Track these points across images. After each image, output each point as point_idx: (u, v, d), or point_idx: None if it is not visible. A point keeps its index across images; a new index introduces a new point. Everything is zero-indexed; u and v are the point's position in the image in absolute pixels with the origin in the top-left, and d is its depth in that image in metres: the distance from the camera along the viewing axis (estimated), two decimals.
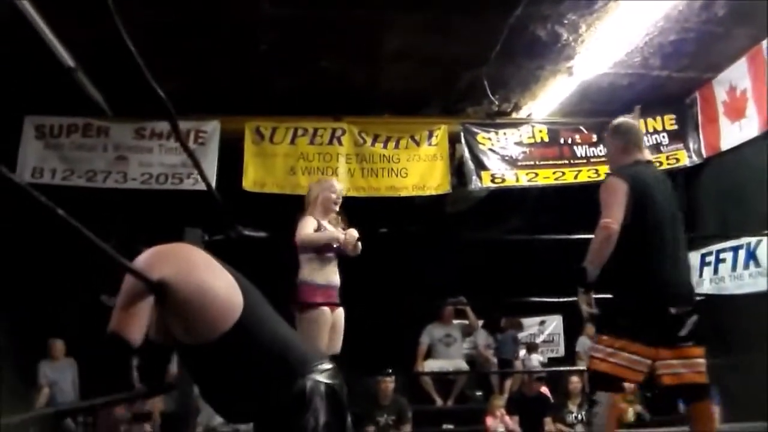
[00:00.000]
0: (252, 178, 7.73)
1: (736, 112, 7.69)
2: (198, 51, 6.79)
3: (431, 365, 8.66)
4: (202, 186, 7.39)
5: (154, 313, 2.23)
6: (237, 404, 2.39)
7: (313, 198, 5.27)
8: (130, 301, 2.17)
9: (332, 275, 5.01)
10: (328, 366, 2.37)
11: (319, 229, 5.02)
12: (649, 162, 4.24)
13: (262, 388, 2.28)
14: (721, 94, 7.96)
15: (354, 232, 5.09)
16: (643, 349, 3.65)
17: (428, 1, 6.38)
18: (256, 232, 4.82)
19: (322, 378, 2.31)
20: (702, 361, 3.81)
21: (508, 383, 8.79)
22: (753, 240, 7.59)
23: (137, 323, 2.16)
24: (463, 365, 8.83)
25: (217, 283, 2.28)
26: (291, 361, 2.31)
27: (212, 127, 7.71)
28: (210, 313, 2.21)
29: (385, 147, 8.30)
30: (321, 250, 4.96)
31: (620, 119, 4.35)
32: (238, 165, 7.57)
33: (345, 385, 2.40)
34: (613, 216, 3.75)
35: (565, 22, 6.75)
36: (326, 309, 4.86)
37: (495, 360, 9.07)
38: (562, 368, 9.00)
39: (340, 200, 5.33)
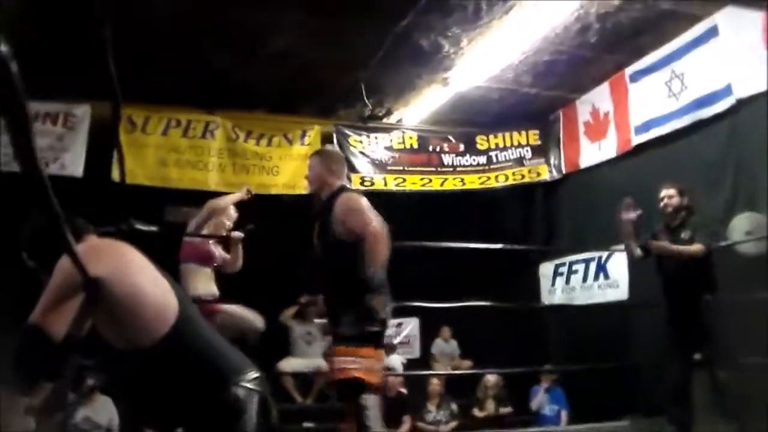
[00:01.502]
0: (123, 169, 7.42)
1: (597, 132, 8.17)
2: (72, 30, 6.41)
3: (292, 363, 8.61)
4: (70, 171, 7.07)
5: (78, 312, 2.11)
6: (168, 410, 2.34)
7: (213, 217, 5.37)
8: (59, 296, 2.06)
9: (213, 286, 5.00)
10: (256, 374, 2.36)
11: None
12: None
13: (195, 394, 2.25)
14: (583, 114, 8.43)
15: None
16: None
17: (317, 3, 6.33)
18: (147, 226, 4.63)
19: (253, 386, 2.31)
20: None
21: None
22: (604, 254, 8.07)
23: (62, 319, 2.04)
24: (323, 364, 8.82)
25: (153, 288, 2.23)
26: (223, 369, 2.30)
27: (82, 112, 7.29)
28: (144, 317, 2.15)
29: (257, 144, 8.21)
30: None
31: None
32: (108, 153, 7.22)
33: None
34: (376, 222, 4.01)
35: (449, 34, 6.91)
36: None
37: None
38: (424, 372, 9.18)
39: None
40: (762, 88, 6.05)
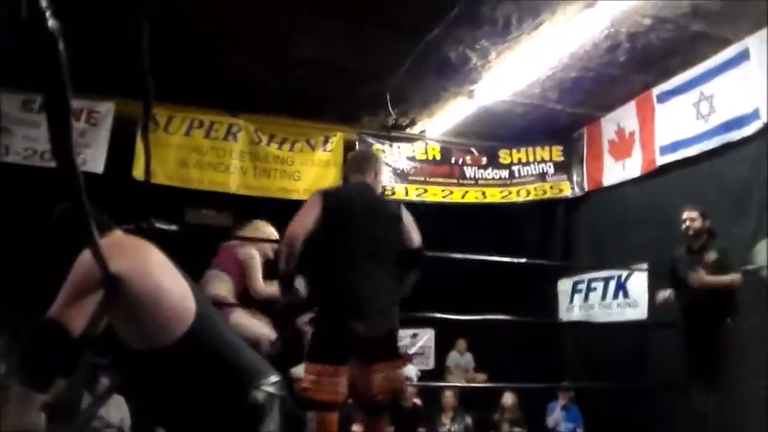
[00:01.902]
0: (143, 167, 7.44)
1: (622, 151, 8.14)
2: (98, 28, 6.44)
3: (300, 371, 8.58)
4: (91, 168, 7.10)
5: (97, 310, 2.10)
6: (184, 413, 2.31)
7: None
8: (79, 291, 2.03)
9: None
10: (276, 378, 2.33)
11: None
12: (366, 184, 4.27)
13: (214, 398, 2.21)
14: (608, 132, 8.40)
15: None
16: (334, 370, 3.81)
17: (346, 9, 6.34)
18: (168, 225, 4.63)
19: (273, 390, 2.28)
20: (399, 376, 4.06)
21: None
22: (624, 273, 8.03)
23: (81, 315, 2.01)
24: None
25: (172, 286, 2.19)
26: (243, 372, 2.26)
27: (106, 109, 7.31)
28: (162, 316, 2.12)
29: (280, 148, 8.21)
30: None
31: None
32: (130, 151, 7.25)
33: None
34: (297, 223, 3.88)
35: (477, 47, 6.91)
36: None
37: None
38: (437, 383, 9.16)
39: None
40: None
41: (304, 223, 3.85)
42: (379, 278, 3.87)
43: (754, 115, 6.40)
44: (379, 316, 3.82)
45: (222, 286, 5.00)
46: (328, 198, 3.99)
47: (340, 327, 3.78)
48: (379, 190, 4.44)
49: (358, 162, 4.45)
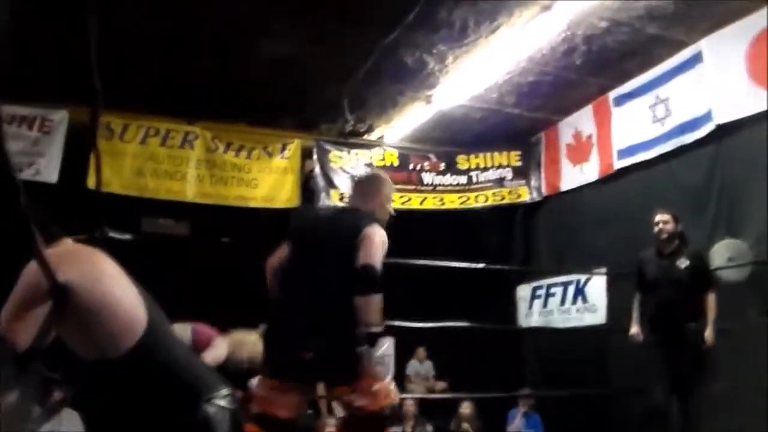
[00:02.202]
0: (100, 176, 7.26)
1: (579, 155, 8.16)
2: (52, 34, 6.26)
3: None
4: (45, 177, 6.91)
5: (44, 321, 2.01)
6: (137, 428, 2.22)
7: None
8: (25, 303, 1.96)
9: None
10: (228, 391, 2.28)
11: None
12: (344, 208, 4.39)
13: (165, 411, 2.16)
14: (566, 136, 8.42)
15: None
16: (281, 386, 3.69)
17: (301, 16, 6.25)
18: (122, 234, 4.50)
19: (224, 403, 2.23)
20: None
21: (335, 404, 8.74)
22: (583, 278, 8.04)
23: (28, 328, 1.94)
24: None
25: (123, 296, 2.14)
26: (193, 385, 2.21)
27: (59, 117, 7.12)
28: (112, 326, 2.06)
29: (237, 155, 8.09)
30: None
31: None
32: (85, 160, 7.06)
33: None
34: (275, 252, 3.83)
35: (434, 51, 6.86)
36: None
37: None
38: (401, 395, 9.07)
39: None
40: (742, 115, 6.09)
41: (279, 250, 3.77)
42: (313, 303, 3.66)
43: (707, 117, 6.46)
44: (302, 346, 3.60)
45: None
46: (293, 222, 3.90)
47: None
48: (383, 217, 4.07)
49: (355, 187, 4.35)
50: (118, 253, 2.31)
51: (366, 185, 4.17)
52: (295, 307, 3.65)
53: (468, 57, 6.94)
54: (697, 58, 6.53)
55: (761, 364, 5.50)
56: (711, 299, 5.65)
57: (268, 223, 8.49)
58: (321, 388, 3.87)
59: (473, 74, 7.24)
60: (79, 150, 6.86)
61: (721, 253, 6.09)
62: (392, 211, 4.12)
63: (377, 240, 3.62)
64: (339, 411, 8.26)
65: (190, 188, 7.81)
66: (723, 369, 5.65)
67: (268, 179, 8.24)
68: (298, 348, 3.54)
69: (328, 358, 3.58)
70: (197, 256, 8.22)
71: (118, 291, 2.11)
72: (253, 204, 8.12)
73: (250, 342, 4.95)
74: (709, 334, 5.55)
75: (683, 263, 5.74)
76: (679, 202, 6.54)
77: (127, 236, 4.62)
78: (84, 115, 6.77)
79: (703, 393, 5.51)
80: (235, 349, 4.75)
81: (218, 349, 4.74)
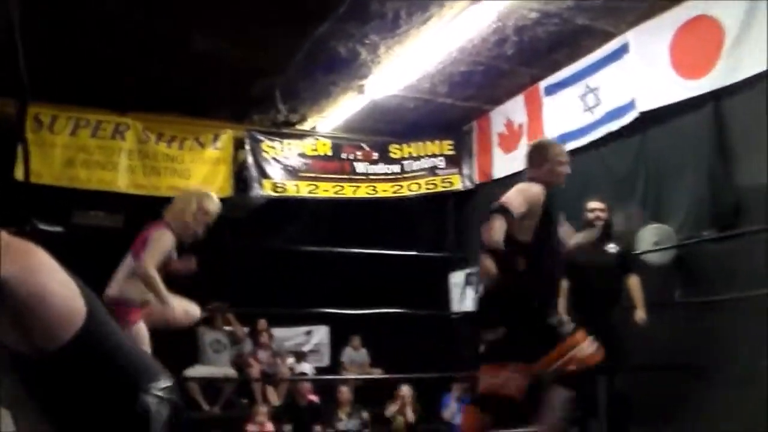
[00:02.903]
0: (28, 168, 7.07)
1: (511, 144, 8.28)
2: None
3: (199, 371, 8.41)
4: None
5: None
6: (74, 420, 2.18)
7: (188, 211, 4.76)
8: None
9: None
10: (169, 383, 2.25)
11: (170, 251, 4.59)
12: None
13: (103, 403, 2.11)
14: (498, 125, 8.54)
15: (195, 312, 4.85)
16: None
17: (233, 5, 6.17)
18: (52, 226, 4.40)
19: (165, 395, 2.19)
20: None
21: (271, 391, 8.74)
22: None
23: None
24: (232, 372, 8.66)
25: (59, 288, 2.07)
26: (134, 376, 2.16)
27: None
28: (49, 319, 1.99)
29: (169, 146, 8.00)
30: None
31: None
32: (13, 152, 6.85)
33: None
34: None
35: (366, 42, 6.85)
36: (142, 324, 4.54)
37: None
38: (335, 377, 9.14)
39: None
40: (664, 103, 6.28)
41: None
42: None
43: (630, 106, 6.65)
44: None
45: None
46: None
47: None
48: (554, 180, 4.49)
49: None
50: (49, 246, 2.26)
51: (530, 156, 4.63)
52: None
53: (400, 47, 6.95)
54: (624, 49, 6.70)
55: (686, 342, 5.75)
56: (635, 282, 5.86)
57: None
58: None
59: (405, 64, 7.26)
60: (6, 142, 6.67)
61: (648, 238, 6.26)
62: (564, 171, 4.48)
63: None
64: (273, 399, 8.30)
65: (123, 179, 7.70)
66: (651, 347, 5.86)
67: (201, 169, 8.17)
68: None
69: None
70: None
71: (55, 282, 2.04)
72: None
73: (183, 308, 4.85)
74: (640, 314, 5.74)
75: (611, 248, 5.93)
76: (607, 188, 6.72)
77: (57, 228, 4.51)
78: (10, 106, 6.60)
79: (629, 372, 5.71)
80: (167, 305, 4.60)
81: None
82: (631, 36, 6.62)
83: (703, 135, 6.05)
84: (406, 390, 8.43)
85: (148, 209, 7.32)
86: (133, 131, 7.80)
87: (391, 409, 8.48)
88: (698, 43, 6.04)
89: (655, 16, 6.39)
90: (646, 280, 6.02)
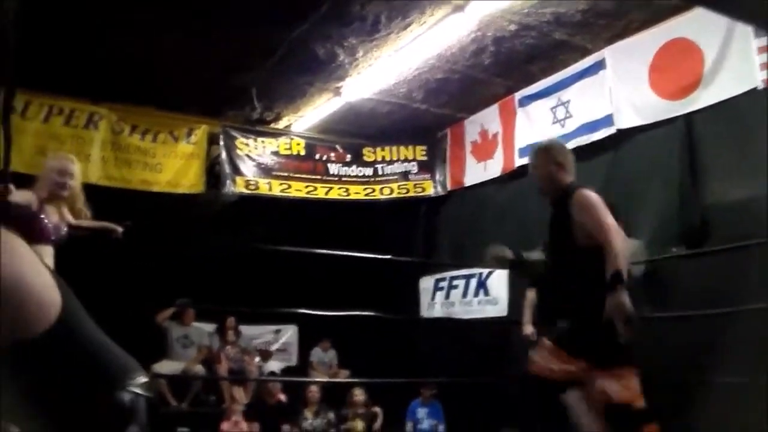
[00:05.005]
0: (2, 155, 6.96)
1: (484, 152, 8.35)
2: None
3: (168, 366, 8.36)
4: None
5: None
6: (48, 415, 2.18)
7: (42, 175, 4.77)
8: None
9: None
10: (144, 378, 2.24)
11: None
12: None
13: (78, 398, 2.09)
14: (471, 133, 8.61)
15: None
16: None
17: (213, 4, 6.17)
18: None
19: (141, 391, 2.19)
20: None
21: (237, 390, 8.71)
22: (485, 271, 8.23)
23: None
24: (200, 368, 8.61)
25: (35, 278, 2.06)
26: (110, 372, 2.14)
27: None
28: (24, 309, 1.96)
29: (142, 139, 7.94)
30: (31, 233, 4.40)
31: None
32: None
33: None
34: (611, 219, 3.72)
35: (345, 44, 6.87)
36: None
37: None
38: (302, 379, 9.13)
39: (72, 184, 4.80)
40: (643, 122, 6.38)
41: None
42: None
43: (607, 121, 6.74)
44: None
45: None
46: None
47: None
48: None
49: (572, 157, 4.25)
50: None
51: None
52: None
53: (378, 51, 6.98)
54: (600, 65, 6.81)
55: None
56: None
57: (170, 207, 8.37)
58: None
59: (383, 68, 7.30)
60: None
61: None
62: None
63: None
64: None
65: (94, 170, 7.58)
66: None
67: (174, 164, 8.13)
68: None
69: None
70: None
71: (31, 271, 2.03)
72: (156, 188, 8.00)
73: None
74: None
75: None
76: None
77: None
78: None
79: None
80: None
81: None
82: (607, 53, 6.72)
83: (674, 150, 6.16)
84: (358, 393, 8.47)
85: (117, 202, 7.32)
86: (107, 121, 7.73)
87: (345, 413, 8.50)
88: (677, 64, 6.16)
89: (632, 35, 6.50)
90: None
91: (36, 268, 2.08)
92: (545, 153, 4.13)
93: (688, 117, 6.06)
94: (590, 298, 3.67)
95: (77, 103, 7.61)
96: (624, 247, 3.67)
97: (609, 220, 3.67)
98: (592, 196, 3.80)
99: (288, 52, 6.94)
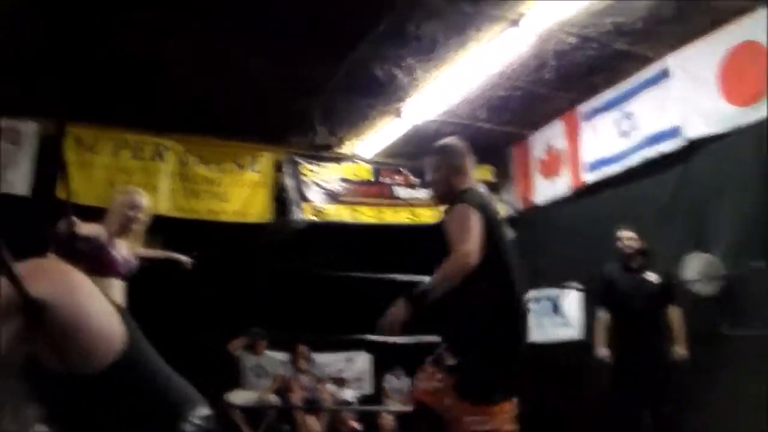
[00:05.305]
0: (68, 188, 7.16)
1: (551, 169, 8.15)
2: (21, 44, 6.14)
3: (242, 396, 8.39)
4: (17, 190, 6.83)
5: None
6: None
7: (112, 209, 4.94)
8: None
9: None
10: (208, 411, 2.19)
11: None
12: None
13: (143, 430, 2.06)
14: (537, 150, 8.43)
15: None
16: None
17: (269, 27, 6.18)
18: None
19: (202, 423, 2.14)
20: None
21: (311, 419, 8.66)
22: (557, 292, 7.99)
23: None
24: (274, 398, 8.61)
25: (99, 311, 2.04)
26: (173, 404, 2.12)
27: (28, 128, 7.03)
28: (89, 342, 1.96)
29: (208, 168, 8.04)
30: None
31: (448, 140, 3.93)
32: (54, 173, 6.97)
33: None
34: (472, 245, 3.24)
35: (403, 64, 6.81)
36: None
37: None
38: (376, 407, 9.04)
39: (141, 218, 4.96)
40: (714, 131, 6.10)
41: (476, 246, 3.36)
42: None
43: (674, 132, 6.49)
44: None
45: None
46: (483, 211, 3.46)
47: None
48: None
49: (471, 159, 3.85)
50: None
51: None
52: None
53: (437, 71, 6.90)
54: (664, 74, 6.57)
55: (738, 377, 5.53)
56: (676, 314, 5.73)
57: (238, 237, 8.42)
58: None
59: (443, 88, 7.20)
60: (49, 162, 6.79)
61: (692, 267, 6.08)
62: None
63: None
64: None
65: (163, 202, 7.68)
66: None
67: (240, 193, 8.17)
68: None
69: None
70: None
71: (94, 306, 2.02)
72: (224, 218, 8.05)
73: None
74: (678, 351, 5.60)
75: (653, 277, 5.83)
76: (648, 216, 6.56)
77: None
78: (52, 127, 6.73)
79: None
80: None
81: None
82: (671, 61, 6.48)
83: (748, 159, 5.85)
84: (388, 419, 8.34)
85: (186, 233, 7.40)
86: (174, 153, 7.84)
87: None
88: (746, 69, 5.86)
89: (695, 41, 6.25)
90: (690, 311, 5.85)
91: (100, 303, 2.07)
92: (441, 155, 3.77)
93: (763, 123, 5.74)
94: (465, 328, 3.41)
95: (143, 137, 7.76)
96: (459, 271, 3.23)
97: (468, 236, 3.23)
98: (466, 209, 3.36)
99: (347, 75, 6.93)
